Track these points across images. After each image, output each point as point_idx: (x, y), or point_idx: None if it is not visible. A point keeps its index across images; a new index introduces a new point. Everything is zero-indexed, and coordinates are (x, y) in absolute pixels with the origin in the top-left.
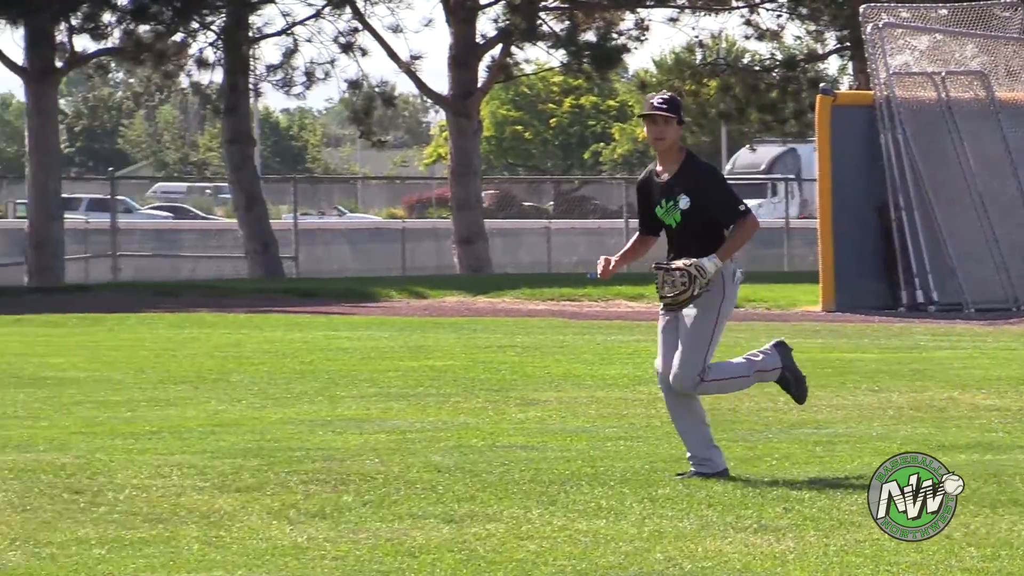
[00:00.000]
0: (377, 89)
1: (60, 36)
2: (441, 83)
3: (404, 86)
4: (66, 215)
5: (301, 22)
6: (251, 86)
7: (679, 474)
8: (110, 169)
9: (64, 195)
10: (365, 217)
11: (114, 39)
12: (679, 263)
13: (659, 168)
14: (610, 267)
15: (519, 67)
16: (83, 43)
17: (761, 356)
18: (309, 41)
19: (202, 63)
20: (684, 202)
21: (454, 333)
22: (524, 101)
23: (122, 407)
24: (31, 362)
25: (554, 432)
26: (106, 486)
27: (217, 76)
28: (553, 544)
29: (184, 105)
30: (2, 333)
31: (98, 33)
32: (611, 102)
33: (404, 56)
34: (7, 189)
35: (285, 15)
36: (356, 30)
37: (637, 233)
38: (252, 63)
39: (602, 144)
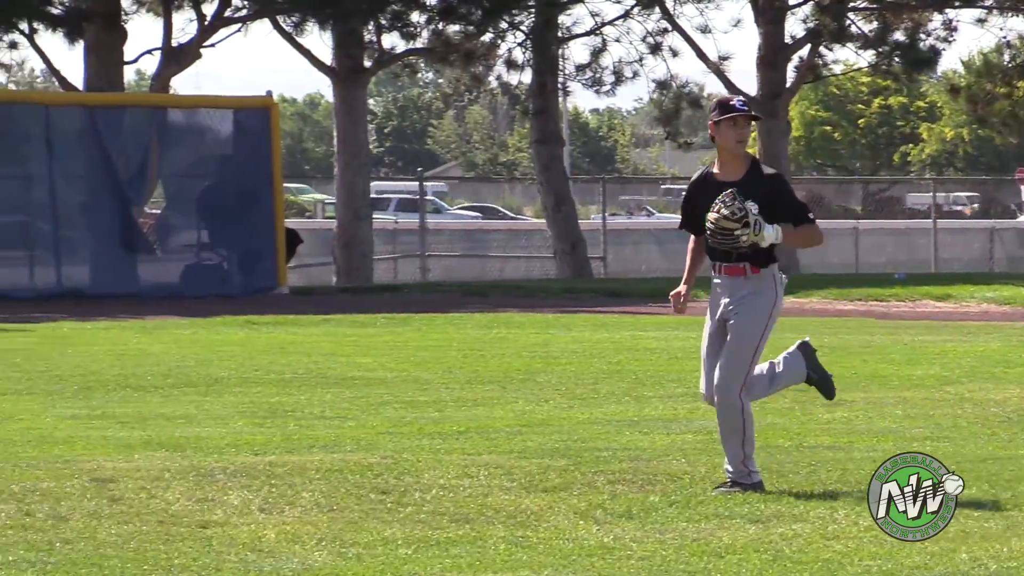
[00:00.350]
0: (684, 90)
1: (369, 36)
2: (749, 84)
3: (712, 86)
4: (375, 215)
5: (610, 22)
6: (560, 86)
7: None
8: (419, 169)
9: (373, 195)
10: (673, 217)
11: (423, 39)
12: (754, 207)
13: (717, 171)
14: (682, 300)
15: (827, 67)
16: (392, 43)
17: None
18: (618, 41)
19: (511, 63)
20: (752, 205)
21: None
22: (833, 101)
23: (429, 407)
24: (339, 362)
25: (860, 433)
26: (413, 486)
27: (526, 76)
28: (859, 544)
29: (493, 105)
30: (311, 333)
31: (407, 33)
32: (920, 103)
33: (712, 56)
34: (317, 189)
35: (594, 15)
36: (665, 30)
37: (691, 240)
38: (561, 63)
39: (911, 145)
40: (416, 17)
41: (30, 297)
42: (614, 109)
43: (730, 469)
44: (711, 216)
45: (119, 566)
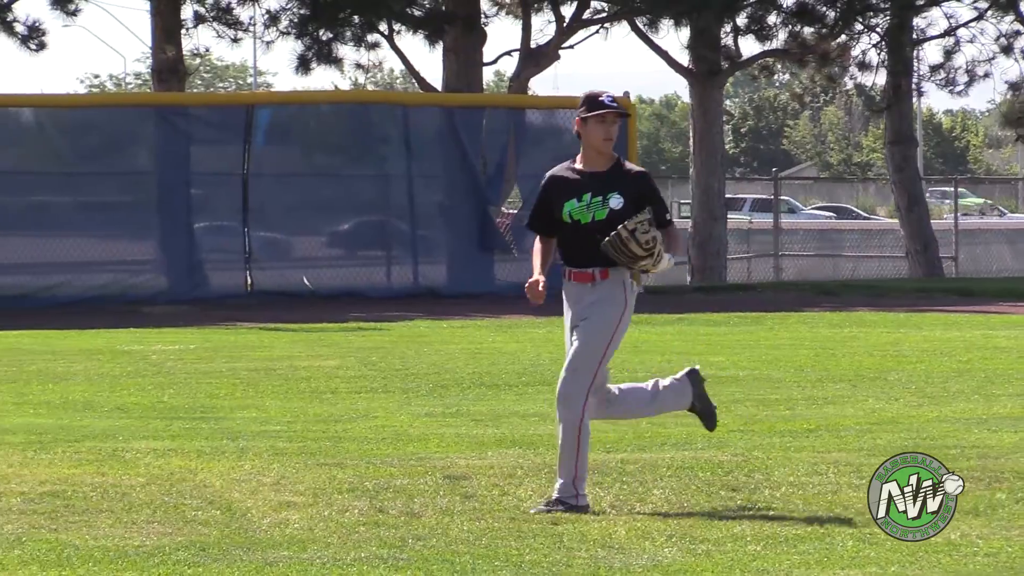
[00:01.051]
0: None
1: (725, 38)
2: None
3: None
4: (729, 215)
5: (964, 24)
6: (913, 87)
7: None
8: (774, 170)
9: (728, 195)
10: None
11: (778, 40)
12: (655, 232)
13: (579, 166)
14: (540, 288)
15: None
16: (748, 45)
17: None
18: (971, 42)
19: (864, 65)
20: (616, 201)
21: None
22: None
23: (781, 405)
24: (692, 360)
25: None
26: (762, 483)
27: (880, 78)
28: None
29: (848, 106)
30: (665, 332)
31: (763, 34)
32: None
33: None
34: (672, 189)
35: (948, 17)
36: (1017, 32)
37: (538, 239)
38: (915, 64)
39: None
40: (772, 19)
41: (387, 296)
42: (967, 110)
43: (560, 483)
44: (622, 232)
45: (470, 562)
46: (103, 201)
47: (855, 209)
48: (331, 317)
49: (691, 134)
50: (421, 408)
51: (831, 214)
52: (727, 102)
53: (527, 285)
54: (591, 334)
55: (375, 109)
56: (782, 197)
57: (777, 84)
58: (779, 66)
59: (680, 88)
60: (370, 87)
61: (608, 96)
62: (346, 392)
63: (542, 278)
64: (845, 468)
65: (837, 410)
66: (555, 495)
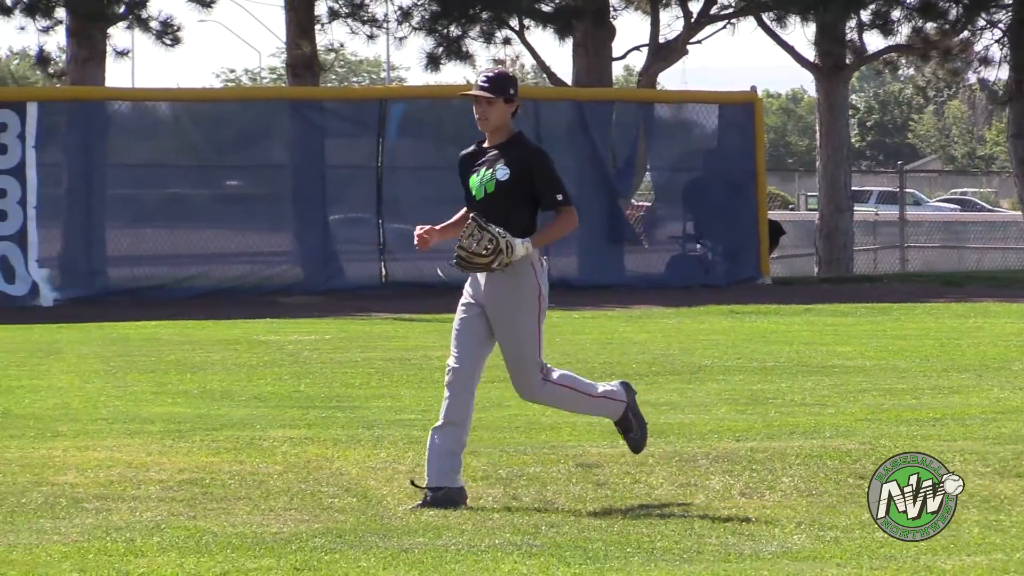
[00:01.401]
0: None
1: (850, 33)
2: None
3: None
4: (855, 207)
5: None
6: None
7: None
8: (899, 163)
9: (854, 188)
10: None
11: (902, 36)
12: (498, 228)
13: (486, 145)
14: (427, 236)
15: None
16: (872, 40)
17: (610, 387)
18: None
19: (986, 60)
20: (502, 173)
21: None
22: None
23: (906, 395)
24: (819, 351)
25: None
26: None
27: (1002, 72)
28: None
29: (972, 100)
30: (792, 322)
31: (886, 29)
32: None
33: None
34: (799, 182)
35: None
36: None
37: (464, 209)
38: None
39: None
40: (896, 14)
41: None
42: None
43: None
44: (459, 252)
45: (603, 549)
46: (239, 193)
47: (979, 202)
48: None
49: (817, 128)
50: None
51: (956, 206)
52: (852, 96)
53: (417, 232)
54: (517, 327)
55: None
56: (908, 190)
57: (902, 79)
58: (903, 61)
59: (806, 82)
60: None
61: (483, 77)
62: (480, 381)
63: (437, 228)
64: (971, 456)
65: (962, 399)
66: (619, 430)
